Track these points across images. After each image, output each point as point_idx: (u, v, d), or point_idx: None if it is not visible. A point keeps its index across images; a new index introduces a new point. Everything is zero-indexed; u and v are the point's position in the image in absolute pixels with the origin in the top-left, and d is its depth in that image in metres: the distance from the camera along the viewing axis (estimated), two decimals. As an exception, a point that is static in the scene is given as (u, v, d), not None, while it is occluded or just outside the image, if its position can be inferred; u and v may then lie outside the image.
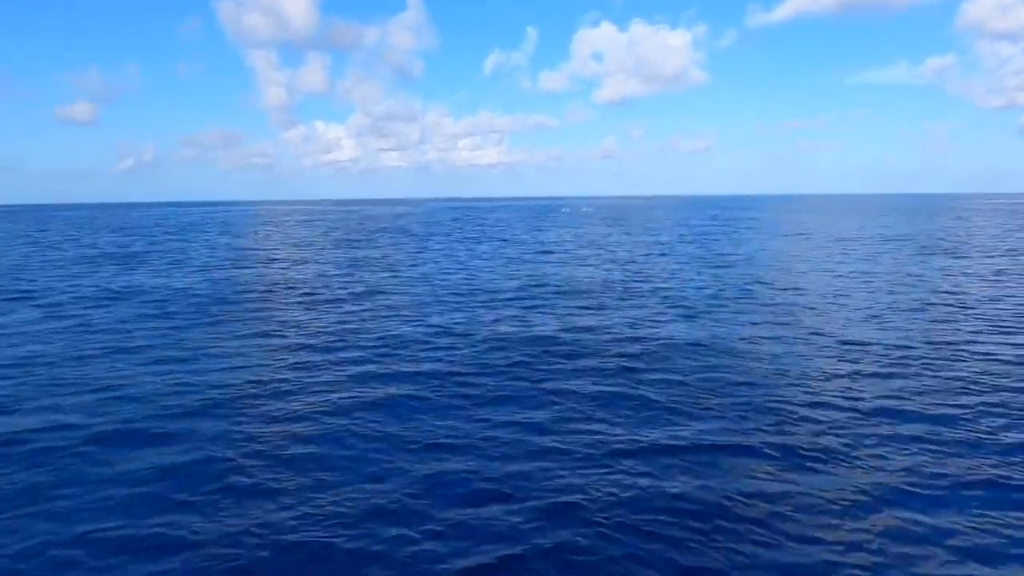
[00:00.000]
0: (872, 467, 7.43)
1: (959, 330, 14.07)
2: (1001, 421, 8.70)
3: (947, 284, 20.60)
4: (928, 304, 17.06)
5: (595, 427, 8.65)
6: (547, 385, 10.50)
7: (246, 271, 24.99)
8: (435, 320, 15.64)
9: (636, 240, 40.99)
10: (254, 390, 10.10)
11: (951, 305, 16.85)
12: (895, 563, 5.67)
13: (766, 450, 7.87)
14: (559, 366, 11.58)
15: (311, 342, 13.30)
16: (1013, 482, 7.06)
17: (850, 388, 10.14)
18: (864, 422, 8.75)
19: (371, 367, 11.51)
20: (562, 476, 7.18)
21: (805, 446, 7.99)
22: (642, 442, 8.13)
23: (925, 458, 7.67)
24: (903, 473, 7.28)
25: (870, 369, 11.13)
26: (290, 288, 20.50)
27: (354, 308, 17.22)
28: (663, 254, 31.42)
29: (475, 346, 13.01)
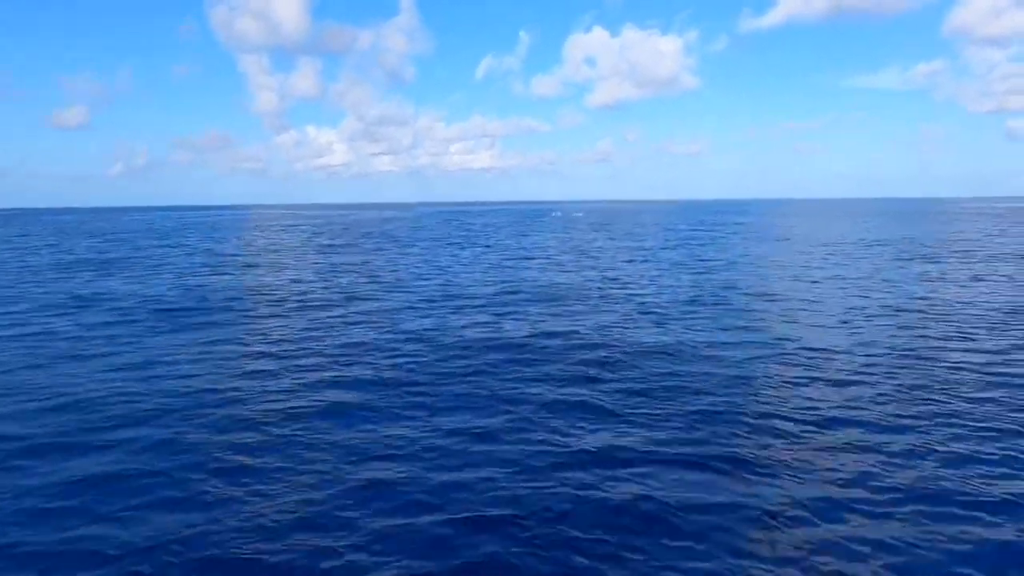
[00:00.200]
0: (818, 478, 7.34)
1: (926, 337, 14.04)
2: (951, 431, 8.63)
3: (922, 290, 20.62)
4: (899, 310, 17.05)
5: (545, 436, 8.54)
6: (505, 392, 10.38)
7: (222, 277, 24.77)
8: (403, 326, 15.49)
9: (620, 246, 40.96)
10: (204, 399, 9.93)
11: (922, 312, 16.84)
12: (827, 576, 5.58)
13: (713, 461, 7.76)
14: (520, 373, 11.46)
15: (272, 350, 13.13)
16: (958, 494, 6.98)
17: (808, 397, 10.06)
18: (816, 432, 8.67)
19: (328, 374, 11.36)
20: (503, 486, 7.06)
21: (753, 456, 7.90)
22: (590, 451, 8.02)
23: (874, 468, 7.59)
24: (849, 484, 7.20)
25: (830, 377, 11.07)
26: (261, 295, 20.30)
27: (323, 315, 17.05)
28: (645, 260, 31.36)
29: (438, 353, 12.88)
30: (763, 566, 5.72)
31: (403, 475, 7.29)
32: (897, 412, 9.31)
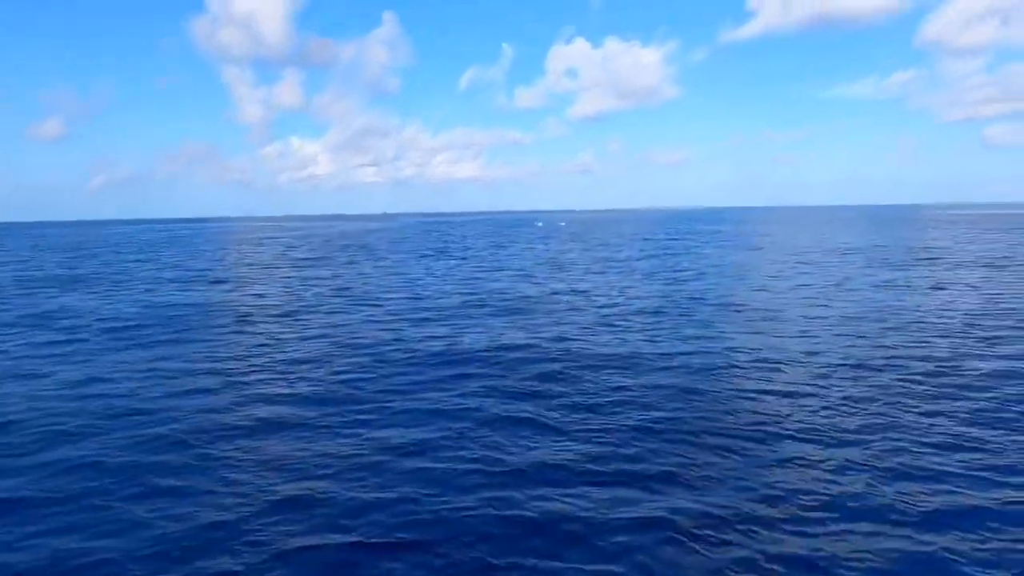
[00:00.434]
0: (750, 494, 7.25)
1: (882, 347, 14.07)
2: (893, 444, 8.60)
3: (885, 298, 20.73)
4: (859, 319, 17.12)
5: (480, 452, 8.40)
6: (449, 407, 10.24)
7: (187, 294, 24.38)
8: (359, 341, 15.29)
9: (595, 256, 40.99)
10: (138, 418, 9.70)
11: (881, 321, 16.91)
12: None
13: (647, 477, 7.67)
14: (467, 388, 11.32)
15: (220, 367, 12.88)
16: (889, 508, 6.93)
17: (753, 411, 10.01)
18: (755, 446, 8.61)
19: (271, 390, 11.18)
20: (424, 506, 6.92)
21: (688, 473, 7.81)
22: (522, 469, 7.90)
23: (809, 483, 7.52)
24: (780, 500, 7.12)
25: (779, 389, 11.04)
26: (222, 311, 19.95)
27: (279, 330, 16.80)
28: (618, 271, 31.34)
29: (389, 367, 12.71)
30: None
31: (323, 493, 7.13)
32: (841, 425, 9.26)
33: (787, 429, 9.12)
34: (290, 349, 14.50)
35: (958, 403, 10.11)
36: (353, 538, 6.19)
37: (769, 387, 11.10)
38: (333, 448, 8.50)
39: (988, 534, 6.42)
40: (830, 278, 26.24)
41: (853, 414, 9.73)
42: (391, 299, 22.41)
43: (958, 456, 8.14)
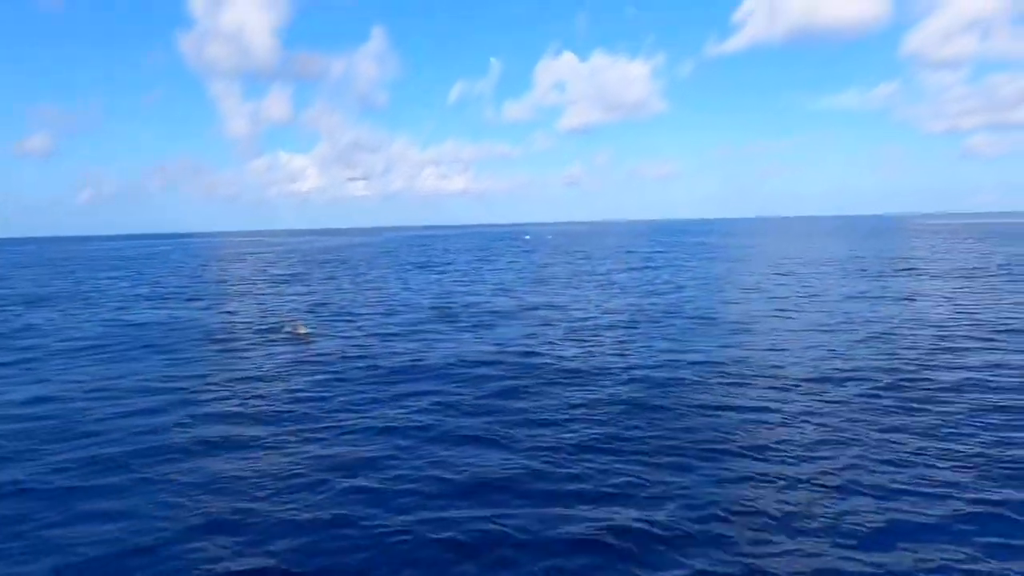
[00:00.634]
0: (694, 510, 7.12)
1: (847, 358, 14.05)
2: (844, 460, 8.50)
3: (861, 309, 20.77)
4: (829, 331, 17.11)
5: (414, 469, 8.31)
6: (399, 422, 10.22)
7: (157, 312, 24.02)
8: (320, 357, 15.10)
9: (577, 269, 40.97)
10: (74, 439, 9.50)
11: (852, 333, 16.89)
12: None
13: (585, 493, 7.57)
14: (421, 403, 11.24)
15: (172, 385, 12.65)
16: (834, 524, 6.82)
17: (709, 424, 9.93)
18: (706, 461, 8.51)
19: (220, 408, 11.10)
20: (351, 523, 6.77)
21: (627, 487, 7.71)
22: (454, 485, 7.82)
23: (752, 499, 7.41)
24: (726, 515, 6.99)
25: (740, 403, 10.95)
26: (188, 330, 19.55)
27: (244, 347, 16.53)
28: (598, 285, 31.23)
29: (346, 384, 12.55)
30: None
31: (256, 515, 7.00)
32: (796, 441, 9.18)
33: (741, 445, 9.01)
34: (251, 367, 14.26)
35: (915, 417, 10.05)
36: (275, 562, 5.99)
37: (730, 402, 11.00)
38: (276, 467, 8.33)
39: (932, 550, 6.32)
40: (806, 289, 26.31)
41: (810, 429, 9.64)
42: (363, 314, 22.20)
43: (908, 472, 8.05)
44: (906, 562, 6.15)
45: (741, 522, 6.87)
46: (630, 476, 8.01)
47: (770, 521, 6.90)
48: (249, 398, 11.62)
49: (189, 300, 27.65)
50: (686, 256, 50.98)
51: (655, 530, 6.66)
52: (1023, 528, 6.62)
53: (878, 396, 11.17)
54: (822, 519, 6.93)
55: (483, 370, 13.53)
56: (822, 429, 9.61)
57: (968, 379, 12.04)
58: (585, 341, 16.62)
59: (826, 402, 10.86)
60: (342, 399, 11.52)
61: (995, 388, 11.48)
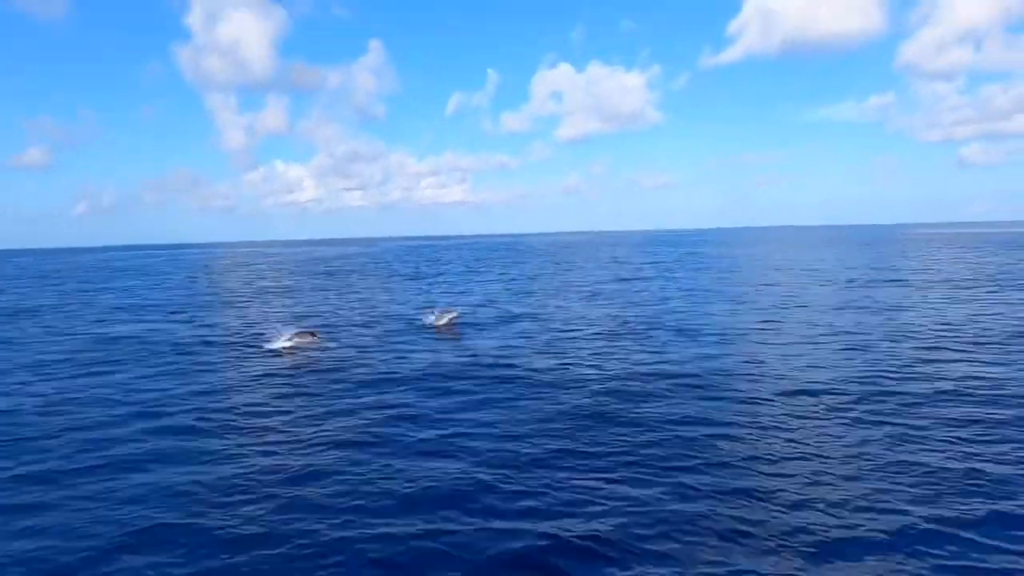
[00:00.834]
0: (623, 519, 6.93)
1: (823, 367, 13.91)
2: (804, 472, 8.32)
3: (843, 319, 20.63)
4: (809, 342, 16.95)
5: (342, 477, 8.31)
6: (347, 431, 10.22)
7: (135, 325, 23.74)
8: (290, 368, 14.89)
9: (565, 280, 40.81)
10: (7, 450, 9.37)
11: (830, 344, 16.73)
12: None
13: (510, 504, 7.48)
14: (374, 414, 11.25)
15: (133, 397, 12.57)
16: (785, 537, 6.63)
17: (677, 434, 9.77)
18: (658, 473, 8.37)
19: (169, 421, 10.98)
20: (291, 532, 6.51)
21: (560, 500, 7.57)
22: (400, 493, 7.76)
23: (701, 511, 7.20)
24: (669, 528, 6.80)
25: (707, 415, 10.76)
26: (161, 343, 19.20)
27: (212, 360, 16.27)
28: (585, 296, 31.06)
29: (303, 397, 12.34)
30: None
31: (189, 526, 6.93)
32: (758, 454, 8.99)
33: (703, 460, 8.84)
34: (216, 380, 14.08)
35: (883, 430, 9.90)
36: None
37: (698, 415, 10.81)
38: (222, 480, 8.25)
39: (879, 567, 6.15)
40: (791, 300, 26.18)
41: (774, 443, 9.47)
42: (342, 326, 21.98)
43: (865, 486, 7.87)
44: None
45: (690, 538, 6.69)
46: (583, 491, 7.83)
47: (721, 536, 6.72)
48: (208, 411, 11.43)
49: (171, 313, 27.39)
50: (677, 267, 50.87)
51: (595, 546, 6.52)
52: (972, 546, 6.42)
53: (849, 409, 11.01)
54: (774, 535, 6.73)
55: (452, 383, 13.35)
56: (787, 443, 9.44)
57: (942, 391, 11.90)
58: (561, 353, 16.44)
59: (795, 416, 10.69)
60: (304, 411, 11.36)
61: (968, 400, 11.33)
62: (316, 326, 21.89)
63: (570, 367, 14.55)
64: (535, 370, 14.26)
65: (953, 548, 6.40)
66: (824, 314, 21.97)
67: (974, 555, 6.30)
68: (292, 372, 14.66)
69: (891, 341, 16.74)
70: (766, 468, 8.53)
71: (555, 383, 13.06)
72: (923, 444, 9.24)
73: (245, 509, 7.27)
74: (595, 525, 6.89)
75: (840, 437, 9.64)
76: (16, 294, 39.28)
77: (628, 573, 6.07)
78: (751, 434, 9.83)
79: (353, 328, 21.40)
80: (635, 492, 7.75)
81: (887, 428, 9.95)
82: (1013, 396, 11.36)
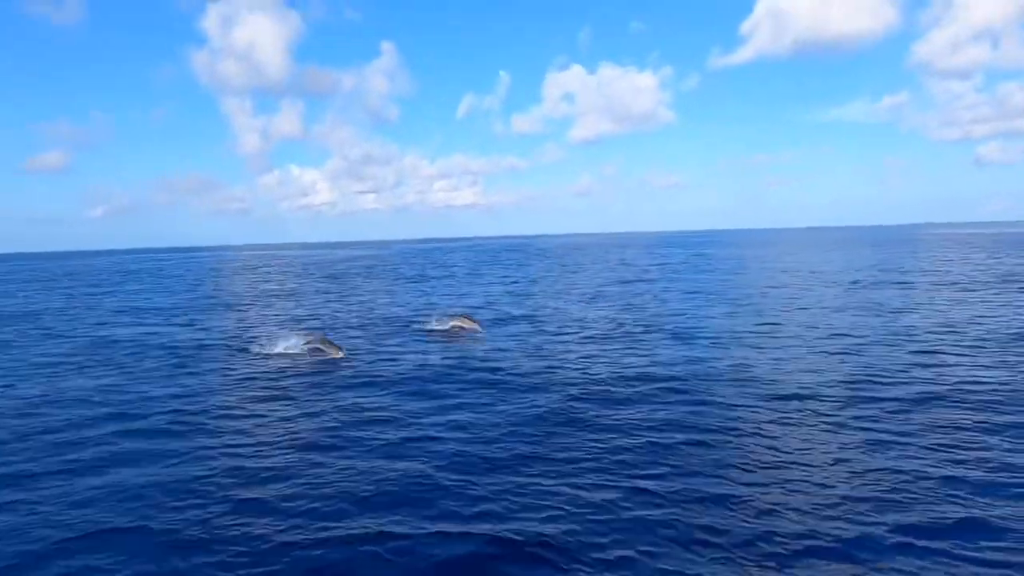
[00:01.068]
0: (574, 524, 6.76)
1: (812, 371, 13.65)
2: (775, 479, 8.12)
3: (846, 322, 20.31)
4: (804, 346, 16.67)
5: (300, 479, 8.30)
6: (317, 432, 10.25)
7: (134, 329, 23.82)
8: (271, 371, 14.90)
9: (568, 282, 40.63)
10: None
11: (828, 346, 16.45)
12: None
13: (466, 507, 7.41)
14: (347, 416, 11.22)
15: (106, 399, 12.57)
16: (751, 543, 6.45)
17: (634, 440, 9.60)
18: (613, 478, 8.19)
19: (143, 423, 10.94)
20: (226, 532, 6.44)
21: (518, 503, 7.47)
22: (334, 494, 7.77)
23: (657, 516, 7.04)
24: (611, 533, 6.67)
25: (688, 421, 10.54)
26: (152, 347, 19.16)
27: (197, 364, 16.20)
28: (586, 298, 30.86)
29: (277, 401, 12.27)
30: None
31: (133, 527, 6.98)
32: (730, 460, 8.80)
33: (674, 465, 8.66)
34: (197, 383, 14.06)
35: (867, 435, 9.68)
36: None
37: (677, 420, 10.59)
38: (178, 481, 8.26)
39: (842, 572, 5.98)
40: (794, 302, 25.85)
41: (750, 448, 9.26)
42: (337, 328, 21.97)
43: (838, 493, 7.67)
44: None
45: (647, 545, 6.55)
46: (542, 496, 7.72)
47: (679, 543, 6.58)
48: (183, 413, 11.44)
49: (171, 316, 27.52)
50: (683, 268, 50.50)
51: (545, 551, 6.44)
52: (939, 554, 6.21)
53: (834, 414, 10.77)
54: (736, 543, 6.56)
55: (432, 385, 13.31)
56: (765, 449, 9.23)
57: (932, 395, 11.63)
58: (549, 356, 16.28)
59: (777, 422, 10.45)
60: (278, 414, 11.36)
61: (958, 405, 11.04)
62: (312, 328, 21.92)
63: (556, 370, 14.40)
64: (519, 373, 14.12)
65: (918, 556, 6.20)
66: (824, 316, 21.64)
67: (940, 562, 6.09)
68: (276, 375, 14.63)
69: (888, 344, 16.41)
70: (739, 475, 8.32)
71: (537, 387, 12.92)
72: (904, 450, 9.00)
73: (194, 512, 7.25)
74: (548, 529, 6.77)
75: (821, 443, 9.41)
76: (24, 298, 39.71)
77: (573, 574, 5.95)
78: (729, 440, 9.62)
79: (348, 330, 21.37)
80: (595, 497, 7.59)
81: (869, 434, 9.71)
82: (1004, 402, 11.04)
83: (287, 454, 9.17)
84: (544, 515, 7.15)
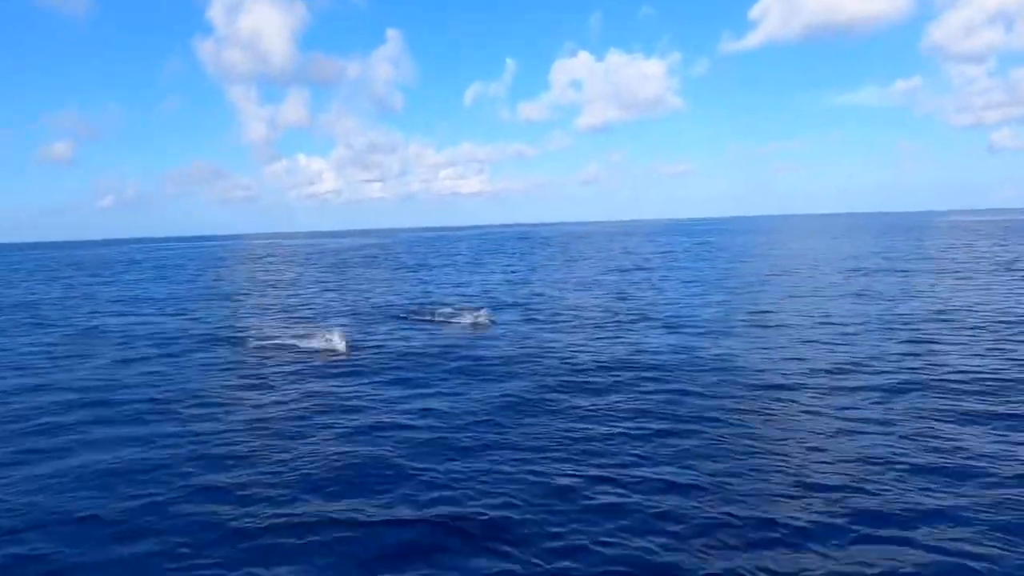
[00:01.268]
0: (516, 507, 6.63)
1: (796, 359, 13.46)
2: (732, 467, 7.99)
3: (844, 309, 20.04)
4: (797, 333, 16.47)
5: (257, 461, 8.32)
6: (285, 417, 10.27)
7: (124, 319, 23.83)
8: (244, 360, 14.93)
9: (568, 272, 40.40)
10: None
11: (821, 334, 16.21)
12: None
13: (418, 493, 7.32)
14: (317, 400, 11.28)
15: (70, 386, 12.58)
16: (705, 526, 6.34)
17: (595, 429, 9.48)
18: (569, 463, 8.05)
19: (105, 411, 10.92)
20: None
21: (471, 488, 7.32)
22: (290, 477, 7.76)
23: (613, 500, 6.91)
24: (559, 514, 6.56)
25: (661, 408, 10.39)
26: (137, 337, 19.06)
27: (175, 352, 16.17)
28: (583, 286, 30.65)
29: (257, 387, 12.23)
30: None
31: (89, 507, 7.06)
32: (693, 448, 8.70)
33: (641, 451, 8.58)
34: (173, 370, 14.14)
35: (844, 422, 9.54)
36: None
37: (653, 407, 10.48)
38: (136, 465, 8.28)
39: (798, 555, 5.87)
40: (794, 290, 25.57)
41: (726, 435, 9.09)
42: (330, 316, 21.94)
43: (804, 479, 7.56)
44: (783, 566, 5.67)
45: (598, 528, 6.49)
46: (501, 482, 7.66)
47: (635, 528, 6.53)
48: (155, 401, 11.47)
49: (165, 306, 27.52)
50: (684, 257, 50.12)
51: (495, 533, 6.44)
52: (898, 541, 6.06)
53: (814, 402, 10.64)
54: (695, 527, 6.46)
55: (409, 372, 13.33)
56: (738, 438, 9.09)
57: (918, 382, 11.49)
58: (535, 344, 16.12)
59: (754, 410, 10.27)
60: (252, 401, 11.44)
61: (944, 393, 10.83)
62: (303, 318, 21.89)
63: (540, 359, 14.24)
64: (502, 362, 13.99)
65: (874, 543, 6.10)
66: (820, 304, 21.34)
67: (896, 550, 5.95)
68: (256, 364, 14.57)
69: (879, 332, 16.16)
70: (706, 464, 8.17)
71: (517, 375, 12.79)
72: (879, 438, 8.84)
73: (149, 498, 7.25)
74: (503, 515, 6.75)
75: (796, 432, 9.26)
76: (24, 288, 39.90)
77: (524, 560, 5.87)
78: (702, 429, 9.43)
79: (340, 318, 21.29)
80: (557, 484, 7.52)
81: (846, 423, 9.56)
82: (989, 392, 10.78)
83: (252, 440, 9.13)
84: (500, 501, 7.05)
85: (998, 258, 37.65)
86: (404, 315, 21.54)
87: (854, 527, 6.38)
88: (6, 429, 9.88)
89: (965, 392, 10.81)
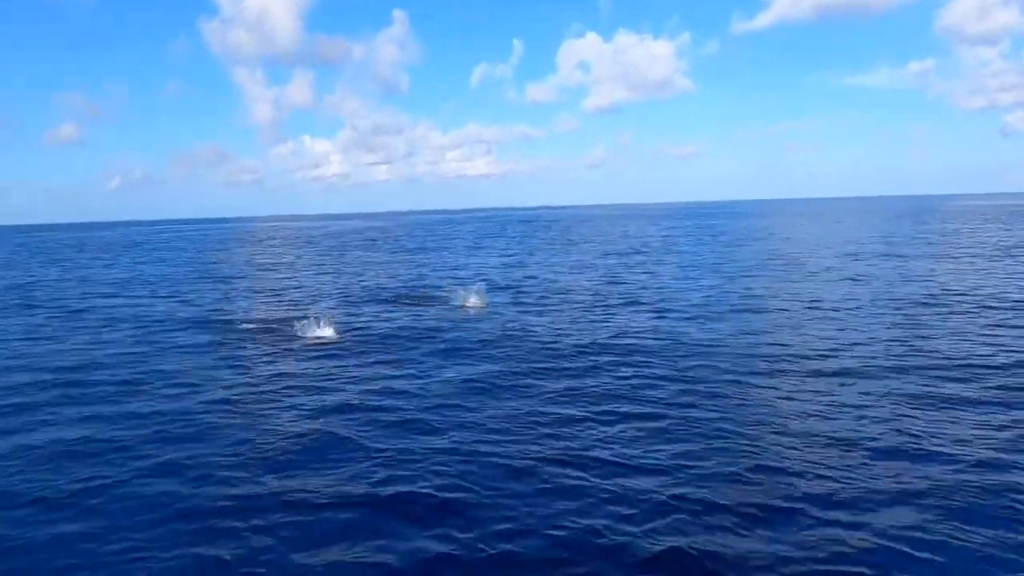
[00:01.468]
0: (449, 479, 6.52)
1: (780, 344, 13.27)
2: (700, 450, 7.87)
3: (836, 293, 19.81)
4: (786, 317, 16.26)
5: (214, 439, 8.20)
6: (253, 399, 9.82)
7: (117, 300, 23.87)
8: (222, 342, 14.77)
9: (566, 254, 40.20)
10: None
11: (809, 318, 16.01)
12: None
13: (348, 460, 7.09)
14: (286, 381, 11.11)
15: (51, 366, 12.61)
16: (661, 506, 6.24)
17: (541, 409, 9.42)
18: (524, 443, 7.94)
19: (63, 391, 10.93)
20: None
21: (417, 466, 7.22)
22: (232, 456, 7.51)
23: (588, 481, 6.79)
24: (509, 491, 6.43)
25: (603, 388, 10.31)
26: (120, 319, 18.96)
27: (152, 333, 16.20)
28: (579, 269, 30.49)
29: (234, 367, 12.16)
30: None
31: (30, 489, 7.06)
32: (661, 432, 8.54)
33: (606, 433, 8.50)
34: (150, 349, 14.21)
35: (817, 405, 9.43)
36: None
37: (625, 392, 10.36)
38: (95, 441, 8.35)
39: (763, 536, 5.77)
40: (787, 274, 25.32)
41: (696, 418, 8.97)
42: (319, 298, 21.89)
43: (763, 463, 7.45)
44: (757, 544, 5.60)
45: (552, 510, 6.39)
46: (452, 461, 7.64)
47: (585, 507, 6.49)
48: (127, 382, 11.40)
49: (158, 288, 27.52)
50: (686, 240, 49.76)
51: (441, 515, 6.38)
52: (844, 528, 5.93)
53: (792, 385, 10.50)
54: (647, 509, 6.34)
55: (382, 354, 13.36)
56: (706, 420, 8.95)
57: (901, 366, 11.34)
58: (520, 327, 16.01)
59: (726, 394, 10.11)
60: (223, 381, 11.40)
61: (927, 377, 10.65)
62: (292, 301, 21.86)
63: (521, 341, 14.14)
64: (481, 344, 13.89)
65: (832, 526, 6.00)
66: (813, 289, 21.10)
67: (850, 533, 5.84)
68: (236, 345, 14.55)
69: (871, 317, 15.97)
70: (672, 447, 8.05)
71: (493, 357, 12.69)
72: (852, 422, 8.69)
73: (96, 477, 7.26)
74: (452, 495, 6.74)
75: (770, 415, 9.14)
76: (22, 269, 40.07)
77: (467, 543, 5.82)
78: (671, 413, 9.28)
79: (329, 301, 21.26)
80: (513, 464, 7.46)
81: (821, 406, 9.43)
82: (973, 377, 10.57)
83: (216, 420, 9.11)
84: (452, 480, 7.02)
85: (1001, 243, 37.15)
86: (394, 298, 21.45)
87: (809, 510, 6.27)
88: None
89: (946, 378, 10.62)
